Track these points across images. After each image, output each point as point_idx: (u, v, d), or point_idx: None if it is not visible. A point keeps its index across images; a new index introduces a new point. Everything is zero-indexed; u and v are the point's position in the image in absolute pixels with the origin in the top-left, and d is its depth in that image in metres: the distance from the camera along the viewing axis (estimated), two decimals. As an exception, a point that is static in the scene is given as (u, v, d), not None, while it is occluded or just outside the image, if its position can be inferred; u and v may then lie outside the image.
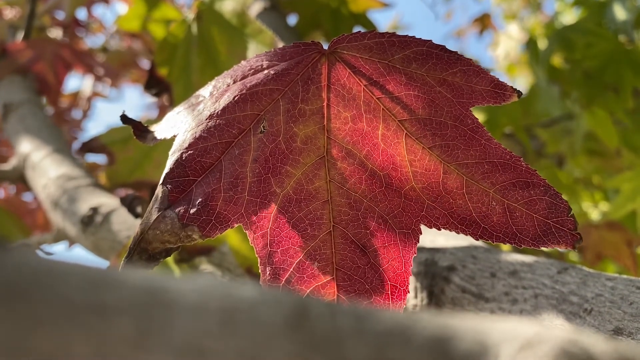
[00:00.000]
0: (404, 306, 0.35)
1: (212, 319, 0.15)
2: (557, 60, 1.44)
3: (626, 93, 1.11)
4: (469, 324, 0.16)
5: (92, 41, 1.65)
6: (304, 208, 0.36)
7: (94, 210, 0.70)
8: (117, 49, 1.57)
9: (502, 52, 2.21)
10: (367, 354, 0.15)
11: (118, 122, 0.42)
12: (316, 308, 0.16)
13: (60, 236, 0.76)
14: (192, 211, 0.35)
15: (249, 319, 0.15)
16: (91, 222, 0.69)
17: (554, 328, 0.17)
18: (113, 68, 1.38)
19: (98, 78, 1.13)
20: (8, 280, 0.15)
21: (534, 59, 1.31)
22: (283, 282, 0.35)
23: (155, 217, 0.35)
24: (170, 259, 0.64)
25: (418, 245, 0.51)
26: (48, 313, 0.14)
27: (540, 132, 1.41)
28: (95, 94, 1.52)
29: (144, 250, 0.35)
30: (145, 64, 1.58)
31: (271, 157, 0.36)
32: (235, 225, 0.35)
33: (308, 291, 0.35)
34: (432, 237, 0.52)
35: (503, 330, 0.16)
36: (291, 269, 0.35)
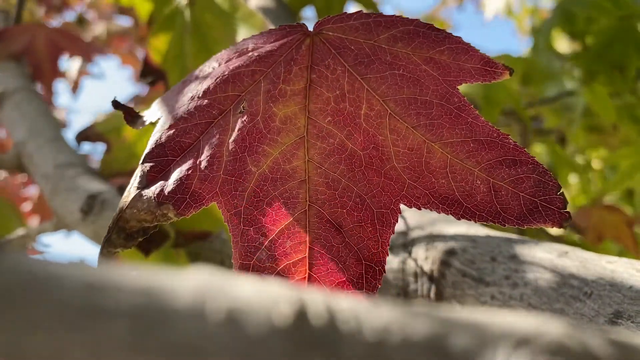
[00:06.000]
0: (379, 286, 0.34)
1: (208, 320, 0.15)
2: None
3: (630, 73, 1.09)
4: (467, 320, 0.16)
5: (69, 15, 1.63)
6: (280, 187, 0.36)
7: (93, 198, 0.70)
8: (104, 26, 1.55)
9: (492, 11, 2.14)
10: (365, 352, 0.15)
11: (101, 102, 0.42)
12: (314, 306, 0.16)
13: (60, 225, 0.76)
14: (167, 190, 0.35)
15: (246, 319, 0.15)
16: (90, 211, 0.69)
17: (553, 322, 0.17)
18: (101, 47, 1.36)
19: (87, 59, 1.11)
20: (1, 284, 0.15)
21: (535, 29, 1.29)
22: (254, 260, 0.35)
23: (133, 196, 0.35)
24: (171, 251, 0.64)
25: (417, 232, 0.51)
26: (42, 318, 0.14)
27: (541, 110, 1.40)
28: (82, 73, 1.50)
29: (121, 229, 0.35)
30: (129, 38, 1.55)
31: (248, 136, 0.36)
32: (210, 204, 0.35)
33: (279, 269, 0.35)
34: (439, 228, 0.52)
35: (501, 325, 0.16)
36: (263, 247, 0.35)
